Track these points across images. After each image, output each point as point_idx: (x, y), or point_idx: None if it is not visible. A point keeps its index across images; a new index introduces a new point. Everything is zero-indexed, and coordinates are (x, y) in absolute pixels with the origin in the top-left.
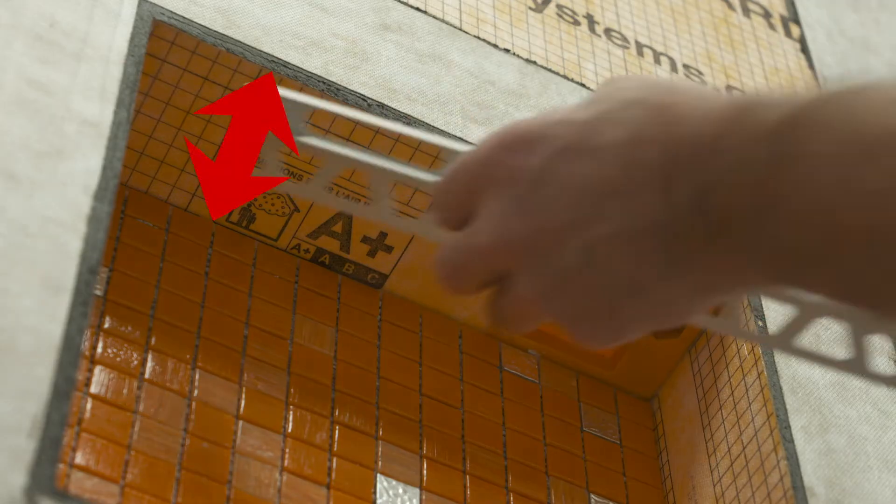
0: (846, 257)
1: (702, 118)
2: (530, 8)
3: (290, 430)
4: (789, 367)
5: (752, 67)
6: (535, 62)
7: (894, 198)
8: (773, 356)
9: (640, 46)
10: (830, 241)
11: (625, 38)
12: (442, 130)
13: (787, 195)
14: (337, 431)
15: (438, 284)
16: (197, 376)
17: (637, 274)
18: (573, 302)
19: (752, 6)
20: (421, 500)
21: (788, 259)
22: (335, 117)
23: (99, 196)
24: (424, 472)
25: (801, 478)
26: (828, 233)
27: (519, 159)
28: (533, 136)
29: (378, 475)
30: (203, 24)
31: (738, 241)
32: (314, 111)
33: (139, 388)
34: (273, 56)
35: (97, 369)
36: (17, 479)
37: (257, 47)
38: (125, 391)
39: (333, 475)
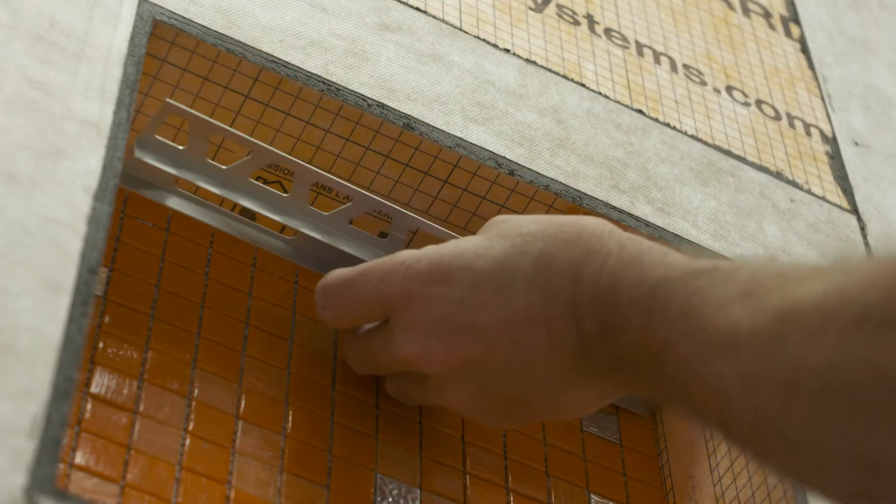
0: (718, 409)
1: (597, 269)
2: (530, 8)
3: (290, 430)
4: None
5: (752, 67)
6: (535, 62)
7: (731, 389)
8: None
9: (640, 46)
10: (705, 394)
11: (625, 38)
12: (442, 130)
13: (662, 352)
14: (337, 431)
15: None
16: (197, 376)
17: (552, 385)
18: (491, 405)
19: (752, 6)
20: (421, 500)
21: (678, 397)
22: (334, 117)
23: (99, 196)
24: (424, 472)
25: None
26: (700, 388)
27: (437, 290)
28: (449, 270)
29: (378, 475)
30: (203, 24)
31: (635, 375)
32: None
33: (139, 388)
34: (273, 56)
35: (97, 369)
36: (17, 479)
37: (257, 47)
38: (125, 391)
39: (333, 475)
